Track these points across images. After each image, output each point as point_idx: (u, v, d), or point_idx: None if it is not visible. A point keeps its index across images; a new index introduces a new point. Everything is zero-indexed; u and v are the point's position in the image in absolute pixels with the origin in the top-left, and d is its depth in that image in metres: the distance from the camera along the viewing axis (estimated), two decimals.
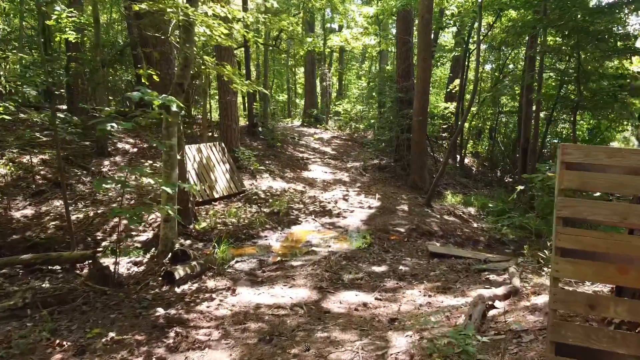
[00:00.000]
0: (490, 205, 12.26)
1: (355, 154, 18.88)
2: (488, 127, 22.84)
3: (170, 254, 6.54)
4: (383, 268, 6.88)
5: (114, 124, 4.31)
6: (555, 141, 21.35)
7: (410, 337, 3.84)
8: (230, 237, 8.64)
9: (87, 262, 6.17)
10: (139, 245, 8.03)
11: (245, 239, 8.85)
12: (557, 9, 10.79)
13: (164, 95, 4.93)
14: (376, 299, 5.39)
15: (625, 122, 18.15)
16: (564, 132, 20.50)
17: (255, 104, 22.06)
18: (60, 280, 5.56)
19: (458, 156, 20.97)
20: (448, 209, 12.03)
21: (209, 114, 17.10)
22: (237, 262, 7.27)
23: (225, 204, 11.04)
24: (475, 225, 11.03)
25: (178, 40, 7.16)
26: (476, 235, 10.02)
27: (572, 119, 17.87)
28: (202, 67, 7.71)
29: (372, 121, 24.87)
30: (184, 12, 6.11)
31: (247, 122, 18.66)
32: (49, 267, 6.06)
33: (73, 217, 8.53)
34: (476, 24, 19.50)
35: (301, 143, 19.37)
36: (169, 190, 4.89)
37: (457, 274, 6.33)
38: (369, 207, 11.45)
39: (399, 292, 5.68)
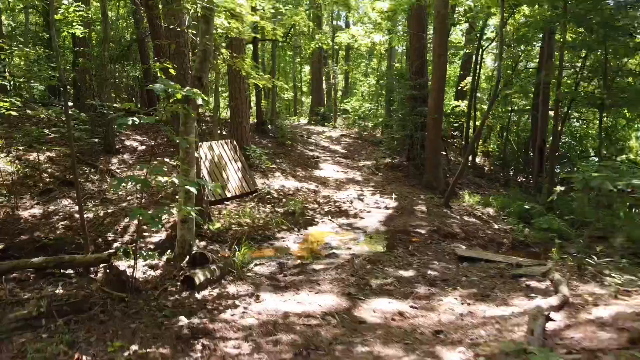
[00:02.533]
0: (518, 206, 11.86)
1: (365, 152, 18.53)
2: (499, 126, 22.46)
3: (188, 256, 6.20)
4: (411, 273, 6.53)
5: (135, 119, 3.96)
6: (567, 140, 20.97)
7: (464, 353, 3.49)
8: (246, 238, 8.30)
9: (101, 266, 5.83)
10: (152, 246, 7.70)
11: (261, 240, 8.50)
12: (581, 3, 10.44)
13: (187, 87, 4.57)
14: (411, 307, 5.04)
15: None
16: (578, 131, 20.10)
17: (263, 101, 21.76)
18: (74, 285, 5.22)
19: (470, 155, 20.60)
20: (466, 209, 11.67)
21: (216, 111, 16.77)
22: (256, 265, 6.92)
23: (238, 204, 10.70)
24: (496, 226, 10.67)
25: (194, 32, 6.81)
26: (499, 237, 9.66)
27: (596, 117, 17.49)
28: (220, 60, 7.35)
29: (381, 119, 24.57)
30: (206, 0, 5.76)
31: (256, 120, 18.34)
32: (62, 271, 5.72)
33: None
34: (490, 20, 19.15)
35: (310, 141, 19.02)
36: (192, 189, 4.55)
37: (491, 279, 5.98)
38: (386, 208, 11.10)
39: (434, 299, 5.33)
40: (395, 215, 10.46)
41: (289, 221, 9.57)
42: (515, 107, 20.49)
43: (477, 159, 20.64)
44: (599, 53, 12.66)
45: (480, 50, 19.33)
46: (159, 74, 7.31)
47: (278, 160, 14.43)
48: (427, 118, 14.72)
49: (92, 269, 5.88)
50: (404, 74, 19.81)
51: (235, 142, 11.91)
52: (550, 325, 3.76)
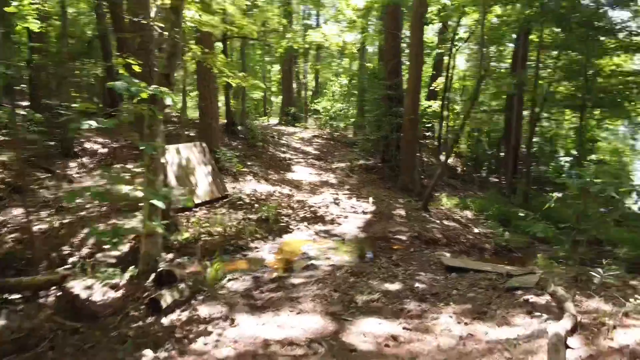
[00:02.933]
0: (496, 208, 11.64)
1: (339, 154, 18.10)
2: (470, 126, 22.42)
3: (153, 274, 5.58)
4: (397, 286, 6.09)
5: (92, 122, 3.36)
6: (536, 140, 21.09)
7: None
8: (217, 249, 7.71)
9: (52, 289, 5.15)
10: (113, 261, 7.02)
11: (234, 251, 7.92)
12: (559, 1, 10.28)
13: (154, 86, 3.98)
14: (404, 328, 4.58)
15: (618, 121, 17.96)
16: (548, 132, 20.21)
17: (232, 101, 21.06)
18: (19, 315, 4.53)
19: (448, 158, 20.44)
20: (445, 213, 11.36)
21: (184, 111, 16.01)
22: (229, 280, 6.35)
23: (208, 210, 10.06)
24: (476, 230, 10.38)
25: (161, 25, 6.19)
26: (481, 242, 9.36)
27: (565, 118, 17.55)
28: (189, 57, 6.74)
29: (353, 120, 24.19)
30: None
31: (226, 121, 17.65)
32: (5, 297, 5.01)
33: (35, 228, 7.44)
34: (464, 20, 19.02)
35: (282, 142, 18.46)
36: (159, 204, 3.97)
37: (485, 292, 5.59)
38: (364, 212, 10.66)
39: (427, 317, 4.89)
40: (374, 221, 10.03)
41: (262, 229, 9.00)
42: (487, 108, 20.45)
43: (450, 160, 20.50)
44: (574, 54, 12.59)
45: (454, 50, 19.18)
46: (121, 72, 6.65)
47: (249, 163, 13.82)
48: (403, 119, 14.40)
49: (42, 292, 5.19)
50: (377, 74, 19.49)
51: (204, 145, 11.25)
52: (570, 356, 3.36)
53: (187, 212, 9.80)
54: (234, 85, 7.05)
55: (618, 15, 11.55)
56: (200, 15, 5.94)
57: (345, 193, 12.44)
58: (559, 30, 11.27)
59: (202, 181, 10.60)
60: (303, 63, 27.49)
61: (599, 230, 10.17)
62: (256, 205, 10.60)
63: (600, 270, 5.06)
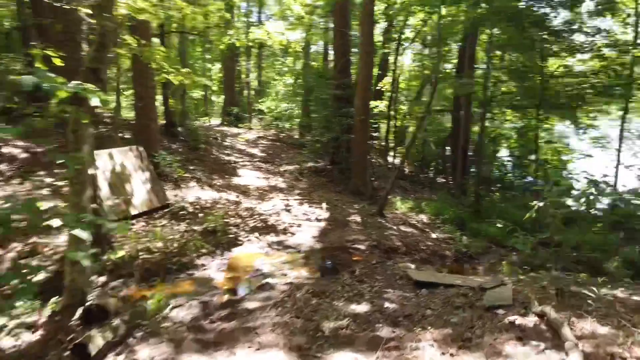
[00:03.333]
0: (453, 212, 11.38)
1: (286, 156, 17.40)
2: (414, 125, 22.40)
3: (80, 309, 4.66)
4: (365, 307, 5.49)
5: None
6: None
7: None
8: (158, 269, 6.82)
9: None
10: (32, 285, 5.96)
11: (177, 270, 7.03)
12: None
13: (75, 82, 3.13)
14: None
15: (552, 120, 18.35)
16: (491, 132, 20.42)
17: (170, 100, 19.85)
18: None
19: (390, 157, 20.25)
20: (401, 218, 10.95)
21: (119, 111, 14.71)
22: (173, 308, 5.50)
23: (146, 222, 9.07)
24: (434, 235, 10.02)
25: (90, 13, 5.23)
26: (440, 249, 8.98)
27: (506, 118, 17.72)
28: (124, 50, 5.81)
29: (298, 120, 23.56)
30: None
31: (165, 122, 16.47)
32: None
33: None
34: (410, 19, 18.83)
35: (226, 144, 17.51)
36: (83, 235, 3.12)
37: (462, 313, 5.10)
38: (317, 220, 10.03)
39: (406, 347, 4.31)
40: (329, 229, 9.42)
41: (209, 242, 8.15)
42: (434, 108, 20.42)
43: (396, 161, 20.32)
44: (522, 55, 12.60)
45: (400, 50, 18.98)
46: (38, 65, 5.61)
47: (192, 168, 12.83)
48: (353, 120, 13.93)
49: None
50: (324, 73, 18.95)
51: (141, 149, 10.20)
52: None
53: None
54: (175, 83, 6.19)
55: (565, 16, 11.66)
56: (134, 1, 5.06)
57: (296, 198, 11.76)
58: (508, 30, 11.18)
59: (140, 189, 9.58)
60: (245, 62, 26.47)
61: (558, 232, 10.15)
62: (201, 214, 9.71)
63: (593, 287, 4.68)
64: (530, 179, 20.52)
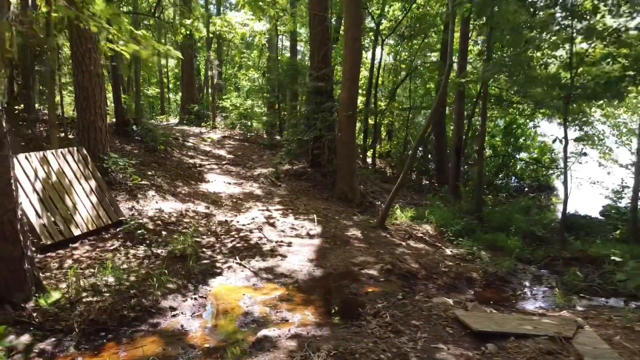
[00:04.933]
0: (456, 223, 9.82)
1: (257, 157, 15.47)
2: (397, 124, 20.91)
3: None
4: None
5: None
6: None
7: None
8: (108, 318, 4.84)
9: None
10: None
11: (136, 319, 5.05)
12: None
13: None
14: None
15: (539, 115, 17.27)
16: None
17: (123, 96, 17.56)
18: None
19: (369, 158, 18.67)
20: (405, 229, 9.29)
21: (60, 107, 12.37)
22: None
23: (93, 246, 7.01)
24: (449, 252, 8.41)
25: None
26: (465, 270, 7.35)
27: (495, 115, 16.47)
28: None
29: (265, 119, 21.66)
30: None
31: (116, 119, 14.25)
32: None
33: None
34: (389, 8, 17.27)
35: (188, 145, 15.40)
36: None
37: None
38: (310, 236, 8.22)
39: None
40: (328, 248, 7.62)
41: (178, 273, 6.21)
42: (417, 104, 18.99)
43: (367, 160, 18.76)
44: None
45: (380, 41, 17.41)
46: None
47: (150, 173, 10.74)
48: (337, 116, 12.22)
49: None
50: (297, 65, 17.16)
51: (84, 151, 8.08)
52: None
53: (60, 251, 6.70)
54: (127, 55, 4.25)
55: None
56: None
57: (278, 208, 9.90)
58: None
59: (84, 202, 7.49)
60: (205, 54, 24.24)
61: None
62: (164, 232, 7.72)
63: None
64: (514, 179, 19.46)
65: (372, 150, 18.61)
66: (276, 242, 7.74)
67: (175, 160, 12.76)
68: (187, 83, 24.41)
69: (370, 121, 19.04)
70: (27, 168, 6.94)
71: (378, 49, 17.79)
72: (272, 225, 8.66)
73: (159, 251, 6.97)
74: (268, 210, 9.67)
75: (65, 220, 7.08)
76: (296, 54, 21.74)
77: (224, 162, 13.96)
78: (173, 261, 6.61)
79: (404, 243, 8.26)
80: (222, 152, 15.44)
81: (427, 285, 6.59)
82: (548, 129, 19.70)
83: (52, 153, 7.48)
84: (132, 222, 7.57)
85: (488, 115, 17.73)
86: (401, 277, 6.64)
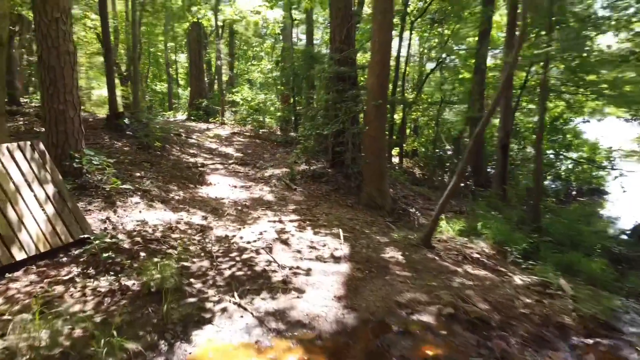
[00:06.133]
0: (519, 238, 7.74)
1: (270, 156, 13.53)
2: (425, 120, 18.79)
3: None
4: None
5: None
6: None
7: None
8: None
9: None
10: None
11: None
12: None
13: None
14: None
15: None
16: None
17: (121, 87, 15.81)
18: None
19: (395, 157, 16.60)
20: (456, 248, 7.25)
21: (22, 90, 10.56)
22: None
23: (39, 276, 5.13)
24: (518, 280, 6.34)
25: None
26: (552, 312, 5.30)
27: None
28: None
29: (279, 113, 19.76)
30: None
31: (109, 112, 12.47)
32: None
33: None
34: None
35: (192, 142, 13.53)
36: None
37: None
38: (334, 259, 6.22)
39: None
40: (360, 278, 5.62)
41: (147, 321, 4.28)
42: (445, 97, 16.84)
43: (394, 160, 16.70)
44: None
45: (408, 23, 15.35)
46: None
47: (139, 175, 8.86)
48: (362, 106, 10.24)
49: None
50: (313, 54, 15.20)
51: (42, 146, 6.19)
52: None
53: None
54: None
55: None
56: None
57: (293, 219, 7.93)
58: None
59: (35, 215, 5.60)
60: (217, 41, 22.40)
61: None
62: (143, 254, 5.82)
63: None
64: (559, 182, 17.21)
65: (398, 147, 16.55)
66: (290, 268, 5.76)
67: (172, 159, 10.88)
68: (196, 77, 22.65)
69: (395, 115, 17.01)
70: None
71: (405, 35, 15.77)
72: (285, 242, 6.69)
73: (129, 283, 5.05)
74: (280, 221, 7.71)
75: (4, 240, 5.20)
76: (312, 42, 19.76)
77: (230, 162, 12.04)
78: (145, 300, 4.70)
79: (460, 269, 6.22)
80: (230, 150, 13.53)
81: (506, 339, 4.56)
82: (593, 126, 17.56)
83: None
84: (98, 242, 5.66)
85: (527, 107, 15.59)
86: (469, 327, 4.63)
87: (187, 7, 18.44)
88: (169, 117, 21.03)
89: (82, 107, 16.67)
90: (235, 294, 4.97)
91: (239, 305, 4.75)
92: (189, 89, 25.73)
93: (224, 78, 26.31)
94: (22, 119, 11.44)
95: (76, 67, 7.58)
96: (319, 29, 24.86)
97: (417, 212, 9.97)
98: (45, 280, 5.07)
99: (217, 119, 19.14)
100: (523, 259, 7.31)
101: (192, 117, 20.11)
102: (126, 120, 11.39)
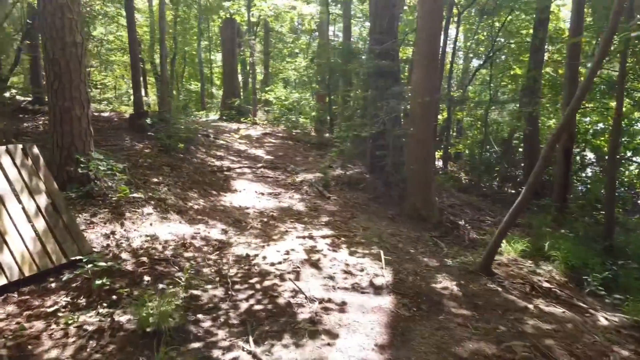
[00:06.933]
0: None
1: (302, 159, 12.53)
2: (470, 121, 17.37)
3: None
4: None
5: None
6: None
7: None
8: None
9: None
10: None
11: None
12: None
13: None
14: None
15: None
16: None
17: (152, 88, 15.18)
18: None
19: (438, 161, 15.32)
20: (521, 275, 6.01)
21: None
22: None
23: (19, 307, 4.28)
24: (602, 319, 5.06)
25: None
26: None
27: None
28: None
29: (314, 113, 18.76)
30: None
31: (133, 111, 11.77)
32: None
33: None
34: None
35: (219, 143, 12.67)
36: None
37: None
38: (375, 288, 5.10)
39: None
40: (407, 318, 4.49)
41: None
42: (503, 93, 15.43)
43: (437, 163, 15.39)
44: None
45: (455, 14, 14.06)
46: None
47: (155, 180, 7.99)
48: (406, 104, 9.08)
49: None
50: (351, 48, 14.13)
51: (36, 150, 5.34)
52: None
53: None
54: None
55: None
56: None
57: (326, 234, 6.86)
58: None
59: (21, 231, 4.75)
60: (250, 37, 21.59)
61: None
62: (147, 278, 4.89)
63: None
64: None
65: (442, 150, 15.26)
66: (320, 301, 4.70)
67: (195, 162, 10.01)
68: (229, 76, 21.91)
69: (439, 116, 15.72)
70: None
71: (451, 28, 14.47)
72: (316, 265, 5.63)
73: (123, 319, 4.12)
74: (311, 237, 6.66)
75: None
76: (350, 38, 18.66)
77: (259, 165, 11.09)
78: (139, 344, 3.76)
79: (530, 305, 5.00)
80: (260, 152, 12.60)
81: None
82: None
83: None
84: (97, 262, 4.74)
85: (586, 108, 14.02)
86: None
87: (220, 0, 17.65)
88: (201, 117, 20.36)
89: (111, 107, 16.20)
90: (251, 339, 3.94)
91: (254, 357, 3.72)
92: (222, 88, 25.03)
93: (259, 77, 25.53)
94: (42, 119, 10.82)
95: (84, 61, 6.75)
96: (357, 26, 23.76)
97: (466, 225, 8.74)
98: (25, 314, 4.20)
99: (248, 118, 18.31)
100: (603, 288, 6.00)
101: (224, 117, 19.36)
102: (148, 120, 10.59)
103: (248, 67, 23.35)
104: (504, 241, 6.93)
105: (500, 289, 5.36)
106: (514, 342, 4.08)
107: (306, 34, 24.24)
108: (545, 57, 14.25)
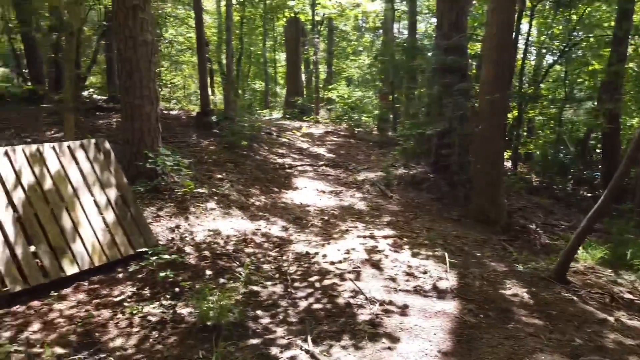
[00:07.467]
0: None
1: (364, 157, 12.38)
2: (542, 120, 16.45)
3: None
4: None
5: None
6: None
7: None
8: None
9: None
10: None
11: None
12: None
13: None
14: None
15: None
16: None
17: (218, 88, 15.59)
18: None
19: (508, 161, 14.60)
20: (599, 284, 5.56)
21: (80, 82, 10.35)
22: None
23: (89, 296, 4.45)
24: None
25: None
26: None
27: None
28: None
29: (377, 111, 18.52)
30: None
31: (200, 110, 12.11)
32: None
33: None
34: None
35: (281, 141, 12.77)
36: None
37: None
38: (438, 292, 4.87)
39: None
40: (473, 325, 4.24)
41: None
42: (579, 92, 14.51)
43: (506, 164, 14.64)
44: None
45: (529, 7, 13.35)
46: None
47: (219, 176, 8.15)
48: (474, 101, 8.70)
49: None
50: (416, 45, 13.79)
51: (107, 145, 5.57)
52: None
53: (34, 303, 4.22)
54: None
55: None
56: None
57: (388, 234, 6.68)
58: None
59: (92, 222, 4.95)
60: (313, 35, 21.67)
61: None
62: (209, 272, 4.96)
63: None
64: None
65: (511, 150, 14.54)
66: (381, 303, 4.54)
67: (258, 159, 10.12)
68: (292, 74, 22.13)
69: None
70: (4, 169, 4.54)
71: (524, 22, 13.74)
72: (377, 266, 5.48)
73: (185, 312, 4.19)
74: (372, 236, 6.51)
75: (55, 252, 4.57)
76: (415, 35, 18.25)
77: (320, 163, 11.06)
78: (199, 337, 3.78)
79: (610, 318, 4.60)
80: (321, 151, 12.58)
81: None
82: None
83: (53, 147, 5.04)
84: (156, 257, 4.86)
85: None
86: None
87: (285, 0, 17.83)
88: (265, 116, 20.70)
89: (180, 105, 16.79)
90: (309, 339, 3.86)
91: (312, 357, 3.63)
92: (285, 87, 25.33)
93: (322, 76, 25.59)
94: (116, 116, 11.35)
95: (154, 59, 6.98)
96: (422, 23, 23.25)
97: (538, 229, 8.24)
98: (94, 302, 4.36)
99: (311, 117, 18.37)
100: None
101: (287, 116, 19.56)
102: (214, 118, 10.85)
103: (311, 66, 23.45)
104: (580, 247, 6.44)
105: (576, 298, 4.96)
106: (592, 357, 3.74)
107: (370, 32, 23.97)
108: (629, 51, 13.22)
